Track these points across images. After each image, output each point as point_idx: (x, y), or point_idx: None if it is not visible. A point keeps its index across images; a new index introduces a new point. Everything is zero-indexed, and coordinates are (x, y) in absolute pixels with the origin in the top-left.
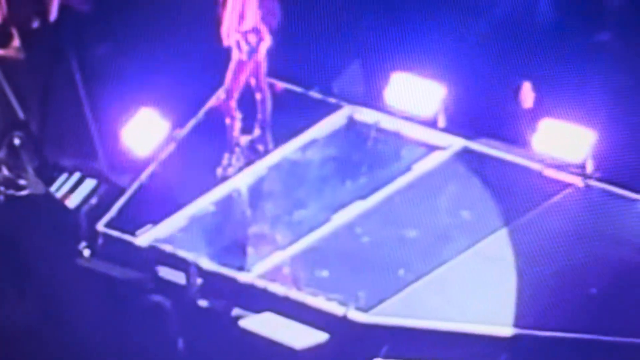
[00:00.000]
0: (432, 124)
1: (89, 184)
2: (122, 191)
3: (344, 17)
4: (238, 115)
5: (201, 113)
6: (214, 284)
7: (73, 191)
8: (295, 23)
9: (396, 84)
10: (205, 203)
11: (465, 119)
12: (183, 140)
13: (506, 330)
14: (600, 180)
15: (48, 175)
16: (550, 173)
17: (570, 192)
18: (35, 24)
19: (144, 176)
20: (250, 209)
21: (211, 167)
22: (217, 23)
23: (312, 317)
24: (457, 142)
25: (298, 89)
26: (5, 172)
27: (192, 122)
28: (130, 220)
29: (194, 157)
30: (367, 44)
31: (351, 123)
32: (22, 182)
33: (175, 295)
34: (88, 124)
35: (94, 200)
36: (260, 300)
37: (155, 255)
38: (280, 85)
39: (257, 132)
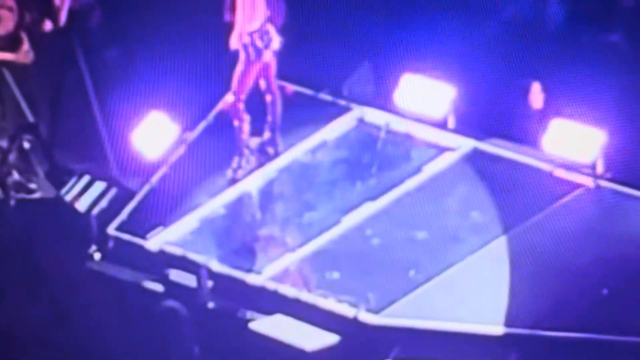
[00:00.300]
0: (442, 125)
1: (99, 187)
2: (132, 194)
3: (354, 19)
4: (246, 118)
5: (211, 116)
6: (225, 286)
7: (83, 194)
8: (305, 25)
9: (406, 85)
10: (215, 206)
11: (475, 120)
12: (193, 143)
13: (516, 330)
14: (610, 180)
15: (58, 179)
16: (561, 174)
17: (580, 193)
18: (46, 29)
19: (154, 179)
20: (261, 211)
21: (221, 169)
22: (225, 26)
23: (323, 318)
24: (467, 143)
25: (308, 91)
26: (16, 175)
27: (202, 125)
28: (140, 224)
29: (204, 159)
30: (377, 46)
31: (361, 125)
32: (32, 185)
33: (186, 297)
34: (98, 128)
35: (104, 204)
36: (270, 302)
37: (166, 258)
38: (291, 87)
39: (267, 134)
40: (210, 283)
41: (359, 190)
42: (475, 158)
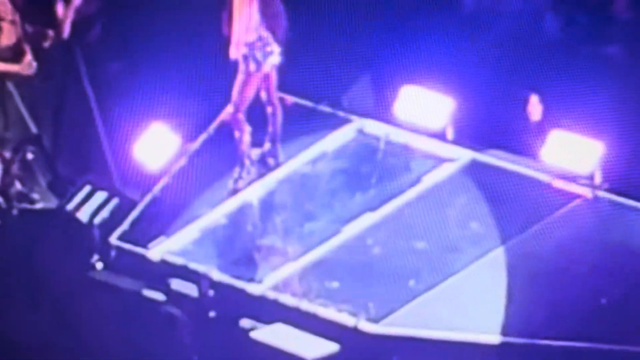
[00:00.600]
0: (441, 136)
1: (101, 197)
2: (134, 204)
3: (353, 33)
4: (247, 129)
5: (212, 127)
6: (226, 295)
7: (85, 205)
8: (305, 38)
9: (405, 97)
10: (216, 216)
11: (474, 131)
12: (194, 154)
13: (514, 339)
14: (608, 191)
15: (61, 189)
16: (559, 184)
17: (579, 203)
18: (48, 41)
19: (156, 189)
20: (261, 221)
21: (222, 180)
22: (226, 39)
23: (323, 327)
24: (465, 155)
25: (308, 103)
26: (19, 186)
27: (203, 136)
28: (142, 233)
29: (205, 170)
30: (376, 58)
31: (361, 136)
32: (35, 195)
33: (187, 307)
34: (100, 139)
35: (106, 214)
36: (271, 311)
37: (168, 268)
38: (291, 99)
39: (267, 145)
40: (211, 292)
41: (358, 201)
42: (474, 169)
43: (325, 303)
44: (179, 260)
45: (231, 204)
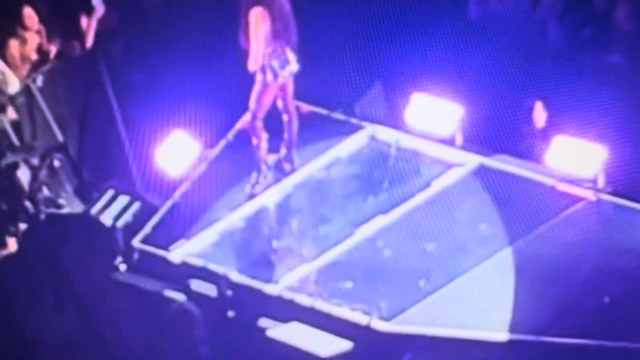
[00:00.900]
0: (450, 142)
1: (125, 202)
2: (156, 209)
3: (365, 42)
4: (264, 136)
5: (230, 134)
6: (244, 295)
7: (110, 209)
8: (318, 49)
9: (416, 104)
10: (234, 219)
11: (482, 137)
12: (213, 160)
13: (521, 336)
14: (611, 194)
15: (86, 195)
16: (564, 188)
17: (582, 206)
18: (73, 51)
19: (176, 195)
20: (278, 224)
21: (240, 185)
22: (243, 51)
23: (337, 326)
24: (474, 160)
25: (322, 111)
26: (46, 191)
27: (222, 143)
28: (164, 237)
29: (224, 176)
30: (387, 67)
31: (373, 142)
32: (61, 201)
33: (207, 306)
34: (123, 146)
35: (129, 218)
36: (287, 310)
37: (188, 269)
38: (306, 107)
39: (283, 151)
40: (229, 292)
41: (371, 204)
42: (481, 173)
43: (339, 302)
44: (198, 262)
45: (249, 208)
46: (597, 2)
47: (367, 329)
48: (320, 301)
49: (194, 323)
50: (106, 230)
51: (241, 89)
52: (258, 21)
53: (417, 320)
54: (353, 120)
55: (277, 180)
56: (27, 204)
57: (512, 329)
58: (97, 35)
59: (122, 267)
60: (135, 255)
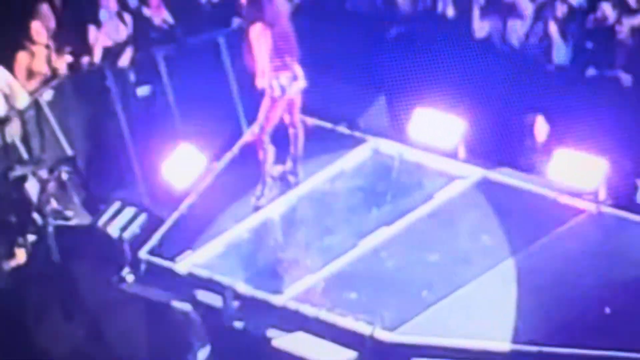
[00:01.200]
0: (452, 155)
1: (131, 214)
2: (162, 221)
3: (369, 57)
4: (271, 149)
5: (236, 147)
6: (249, 306)
7: (116, 221)
8: (323, 64)
9: (419, 118)
10: (240, 231)
11: (484, 150)
12: (220, 173)
13: (522, 347)
14: (612, 206)
15: (93, 207)
16: (565, 200)
17: (583, 218)
18: (81, 65)
19: (183, 206)
20: (283, 236)
21: (246, 197)
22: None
23: (341, 336)
24: (476, 172)
25: (327, 125)
26: (54, 204)
27: (228, 156)
28: (170, 248)
29: (230, 188)
30: (391, 82)
31: (376, 155)
32: (69, 213)
33: (213, 316)
34: (131, 159)
35: (137, 230)
36: (292, 320)
37: (194, 280)
38: (310, 121)
39: (289, 164)
40: (235, 303)
41: (374, 216)
42: (484, 186)
43: (343, 312)
44: (204, 273)
45: (254, 220)
46: (599, 17)
47: (371, 338)
48: (325, 311)
49: (200, 333)
50: (113, 241)
51: (247, 103)
52: (259, 37)
53: (420, 330)
54: (357, 134)
55: (282, 192)
56: (36, 215)
57: (514, 339)
58: (106, 48)
59: (130, 278)
60: (142, 266)
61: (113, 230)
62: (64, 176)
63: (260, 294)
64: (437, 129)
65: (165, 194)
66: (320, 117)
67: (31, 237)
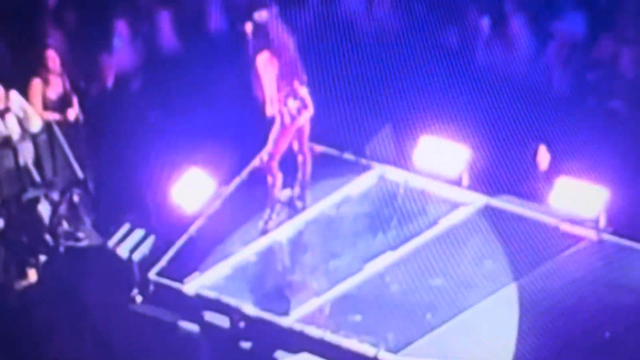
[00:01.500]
0: (456, 182)
1: (140, 236)
2: (172, 243)
3: (375, 86)
4: (279, 175)
5: (245, 172)
6: (256, 327)
7: (126, 243)
8: (330, 93)
9: (424, 146)
10: (248, 254)
11: (487, 178)
12: (228, 197)
13: None
14: (612, 234)
15: (104, 229)
16: (566, 227)
17: (585, 245)
18: (93, 91)
19: (192, 229)
20: (290, 259)
21: (254, 221)
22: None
23: (346, 357)
24: (480, 199)
25: (334, 151)
26: (66, 225)
27: (236, 181)
28: (179, 270)
29: (238, 212)
30: (397, 110)
31: (382, 182)
32: (80, 234)
33: (220, 337)
34: (141, 183)
35: (146, 251)
36: (298, 342)
37: (202, 301)
38: (318, 148)
39: (297, 190)
40: (242, 324)
41: (380, 241)
42: (487, 213)
43: (348, 334)
44: (212, 294)
45: (262, 243)
46: (600, 49)
47: None
48: (330, 333)
49: (208, 353)
50: (123, 262)
51: (256, 129)
52: (265, 66)
53: (424, 353)
54: (363, 161)
55: (290, 216)
56: (48, 236)
57: None
58: (116, 75)
59: (139, 298)
60: (151, 287)
61: (123, 252)
62: (75, 198)
63: (267, 315)
64: (441, 157)
65: (174, 217)
66: (328, 144)
67: (43, 258)
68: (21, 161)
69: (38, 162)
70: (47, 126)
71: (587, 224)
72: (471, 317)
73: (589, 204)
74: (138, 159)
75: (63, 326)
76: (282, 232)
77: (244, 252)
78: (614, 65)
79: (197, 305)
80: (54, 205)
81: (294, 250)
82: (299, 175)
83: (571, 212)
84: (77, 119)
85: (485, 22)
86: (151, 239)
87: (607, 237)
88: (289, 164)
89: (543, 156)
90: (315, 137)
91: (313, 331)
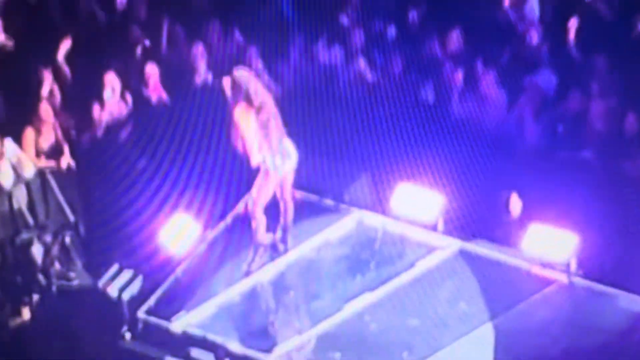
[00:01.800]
0: (432, 227)
1: (129, 276)
2: (159, 283)
3: (354, 137)
4: (262, 220)
5: (229, 217)
6: None
7: (116, 283)
8: (311, 142)
9: (401, 193)
10: (232, 294)
11: (462, 224)
12: (213, 241)
13: None
14: (582, 277)
15: (95, 270)
16: (538, 271)
17: (556, 288)
18: (84, 140)
19: (179, 270)
20: (273, 299)
21: (237, 263)
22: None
23: None
24: (454, 244)
25: (314, 197)
26: (58, 266)
27: (221, 225)
28: (166, 309)
29: (223, 255)
30: (374, 159)
31: (361, 226)
32: (72, 275)
33: None
34: (130, 226)
35: (134, 291)
36: None
37: (188, 339)
38: (299, 193)
39: (279, 234)
40: None
41: (358, 283)
42: (462, 256)
43: None
44: (198, 332)
45: (245, 284)
46: (571, 102)
47: None
48: None
49: None
50: (113, 301)
51: (240, 177)
52: (242, 117)
53: None
54: (342, 206)
55: (272, 259)
56: (41, 277)
57: None
58: (107, 125)
59: (128, 335)
60: (140, 325)
61: (112, 291)
62: (67, 240)
63: (251, 352)
64: (418, 203)
65: (162, 259)
66: (309, 190)
67: (36, 297)
68: (15, 205)
69: (31, 206)
70: (40, 172)
71: (558, 267)
72: (446, 356)
73: (560, 248)
74: (127, 204)
75: None
76: (265, 274)
77: (229, 293)
78: (583, 117)
79: (183, 343)
80: (47, 247)
81: (277, 291)
82: (281, 220)
83: (543, 257)
84: (68, 166)
85: (459, 76)
86: (140, 280)
87: (577, 280)
88: (271, 209)
89: (515, 203)
90: (296, 184)
91: None
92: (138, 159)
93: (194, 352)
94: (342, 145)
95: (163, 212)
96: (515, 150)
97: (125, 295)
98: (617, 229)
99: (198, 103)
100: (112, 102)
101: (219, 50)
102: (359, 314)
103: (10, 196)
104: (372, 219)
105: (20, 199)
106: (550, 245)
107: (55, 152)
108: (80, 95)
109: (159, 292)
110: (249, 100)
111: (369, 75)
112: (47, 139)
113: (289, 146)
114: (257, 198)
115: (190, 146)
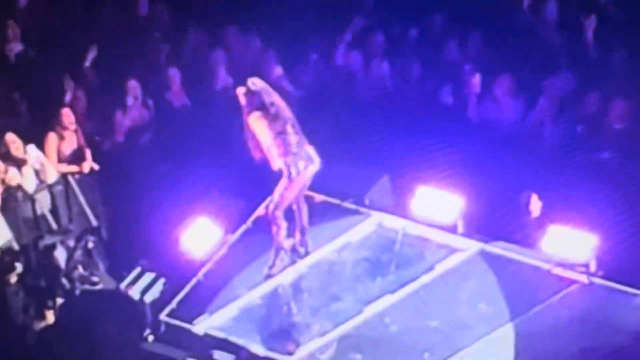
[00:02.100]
0: (452, 229)
1: (151, 279)
2: (181, 286)
3: (375, 140)
4: (283, 224)
5: (250, 221)
6: None
7: (139, 286)
8: (334, 147)
9: (421, 195)
10: (253, 297)
11: (482, 225)
12: (234, 244)
13: None
14: (602, 278)
15: (118, 273)
16: (558, 272)
17: (576, 289)
18: (106, 145)
19: (200, 274)
20: (293, 301)
21: (258, 266)
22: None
23: None
24: (474, 245)
25: (335, 200)
26: (81, 270)
27: (242, 229)
28: (188, 311)
29: (244, 258)
30: (395, 162)
31: (381, 229)
32: (95, 278)
33: None
34: (152, 230)
35: (157, 294)
36: None
37: (210, 341)
38: (320, 197)
39: (298, 236)
40: None
41: (379, 285)
42: (482, 258)
43: None
44: (220, 334)
45: (266, 287)
46: (589, 104)
47: None
48: None
49: None
50: (136, 305)
51: (261, 180)
52: (257, 125)
53: None
54: (363, 210)
55: (293, 262)
56: (64, 280)
57: None
58: (129, 129)
59: (150, 338)
60: (162, 328)
61: (135, 294)
62: (90, 245)
63: (272, 355)
64: (437, 205)
65: (184, 262)
66: (329, 193)
67: (59, 300)
68: (38, 210)
69: (54, 211)
70: (63, 177)
71: (578, 268)
72: (467, 357)
73: (579, 249)
74: (149, 208)
75: None
76: (286, 277)
77: (250, 295)
78: (602, 118)
79: (206, 345)
80: (70, 251)
81: (297, 294)
82: (297, 223)
83: (562, 257)
84: (91, 171)
85: (478, 79)
86: (162, 283)
87: (597, 280)
88: (287, 212)
89: (535, 204)
90: (317, 187)
91: None
92: (160, 164)
93: (216, 354)
94: (362, 149)
95: (185, 216)
96: (535, 151)
97: (148, 298)
98: (636, 229)
99: (219, 106)
100: (134, 107)
101: (239, 55)
102: (380, 316)
103: (33, 201)
104: (392, 222)
105: (44, 204)
106: (569, 246)
107: (77, 158)
108: (103, 101)
109: (181, 295)
110: (264, 109)
111: (389, 80)
112: (70, 145)
113: (311, 151)
114: (278, 202)
115: (212, 150)
